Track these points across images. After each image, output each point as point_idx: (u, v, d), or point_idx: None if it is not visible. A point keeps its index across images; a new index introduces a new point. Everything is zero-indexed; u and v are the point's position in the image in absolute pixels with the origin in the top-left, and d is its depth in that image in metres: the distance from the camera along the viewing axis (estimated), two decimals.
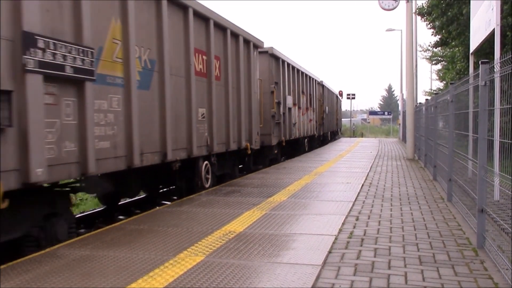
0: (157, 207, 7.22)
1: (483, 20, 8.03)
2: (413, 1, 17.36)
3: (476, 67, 6.49)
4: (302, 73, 18.68)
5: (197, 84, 8.58)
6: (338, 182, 9.75)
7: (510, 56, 3.88)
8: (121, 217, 8.19)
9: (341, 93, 40.21)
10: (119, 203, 8.74)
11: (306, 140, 20.59)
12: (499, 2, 7.05)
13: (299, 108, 18.18)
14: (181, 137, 8.03)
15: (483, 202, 4.71)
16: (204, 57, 9.01)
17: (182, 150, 8.08)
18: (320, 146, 24.65)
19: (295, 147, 18.63)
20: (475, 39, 8.92)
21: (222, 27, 9.78)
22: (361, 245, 4.92)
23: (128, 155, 6.42)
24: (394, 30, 32.16)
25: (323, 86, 25.16)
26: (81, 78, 5.41)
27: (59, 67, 5.07)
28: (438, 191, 8.68)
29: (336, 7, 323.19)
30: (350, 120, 53.54)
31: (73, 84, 5.36)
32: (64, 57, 5.14)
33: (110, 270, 4.13)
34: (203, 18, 8.90)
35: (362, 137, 44.26)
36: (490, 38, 7.79)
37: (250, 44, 11.52)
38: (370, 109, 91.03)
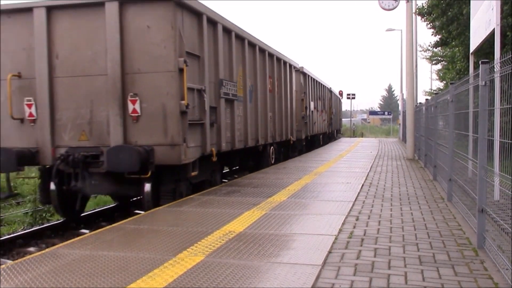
0: (157, 207, 7.22)
1: (483, 20, 8.02)
2: (413, 1, 17.34)
3: (476, 67, 6.49)
4: (319, 83, 23.67)
5: (268, 97, 13.39)
6: (338, 182, 9.75)
7: (510, 56, 3.88)
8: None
9: (341, 93, 40.19)
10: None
11: (321, 136, 25.41)
12: (499, 2, 7.04)
13: (317, 110, 22.94)
14: (262, 130, 12.77)
15: (483, 202, 4.70)
16: (271, 80, 13.80)
17: (263, 138, 12.91)
18: (329, 141, 29.09)
19: (313, 141, 22.96)
20: (475, 39, 8.91)
21: (279, 59, 14.68)
22: (361, 245, 4.92)
23: (245, 140, 11.21)
24: (394, 30, 32.16)
25: (331, 91, 29.80)
26: (233, 99, 10.27)
27: (228, 94, 9.93)
28: (438, 191, 8.67)
29: (336, 7, 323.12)
30: (350, 120, 53.51)
31: (230, 102, 10.14)
32: (229, 88, 9.97)
33: (110, 270, 4.13)
34: (271, 55, 13.76)
35: (362, 137, 44.24)
36: (490, 38, 7.78)
37: (292, 67, 16.60)
38: (370, 109, 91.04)
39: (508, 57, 3.93)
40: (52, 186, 8.04)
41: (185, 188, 8.14)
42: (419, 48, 28.43)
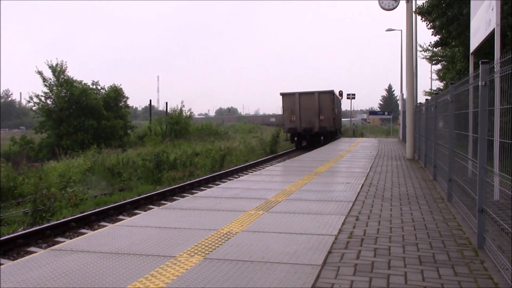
0: (156, 207, 7.23)
1: (483, 20, 8.02)
2: (413, 1, 17.33)
3: (476, 67, 6.48)
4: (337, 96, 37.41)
5: (332, 111, 31.97)
6: (338, 182, 9.75)
7: (510, 56, 3.88)
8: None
9: (341, 93, 40.24)
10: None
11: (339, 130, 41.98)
12: (499, 2, 7.03)
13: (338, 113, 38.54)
14: (334, 124, 32.25)
15: (483, 202, 4.70)
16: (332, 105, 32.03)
17: (333, 127, 31.66)
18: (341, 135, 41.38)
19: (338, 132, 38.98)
20: (475, 39, 8.91)
21: (333, 93, 32.38)
22: (361, 245, 4.92)
23: (332, 126, 31.75)
24: (394, 30, 32.24)
25: (338, 98, 39.17)
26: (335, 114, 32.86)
27: (335, 112, 33.55)
28: (438, 191, 8.68)
29: (336, 7, 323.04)
30: (350, 120, 53.55)
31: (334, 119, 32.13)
32: (336, 115, 33.53)
33: (112, 274, 4.14)
34: (330, 92, 31.87)
35: (362, 137, 44.24)
36: (490, 38, 7.78)
37: (338, 94, 36.48)
38: (370, 109, 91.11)
39: (508, 57, 3.93)
40: (295, 138, 30.65)
41: (330, 139, 30.95)
42: (419, 48, 28.38)
